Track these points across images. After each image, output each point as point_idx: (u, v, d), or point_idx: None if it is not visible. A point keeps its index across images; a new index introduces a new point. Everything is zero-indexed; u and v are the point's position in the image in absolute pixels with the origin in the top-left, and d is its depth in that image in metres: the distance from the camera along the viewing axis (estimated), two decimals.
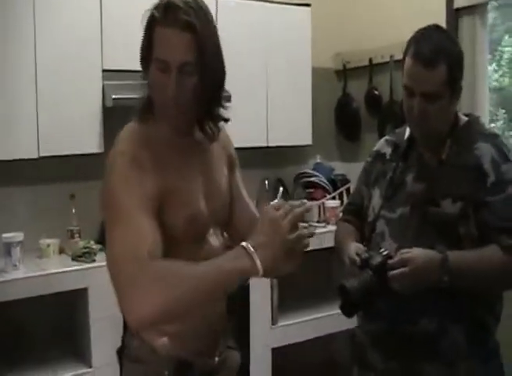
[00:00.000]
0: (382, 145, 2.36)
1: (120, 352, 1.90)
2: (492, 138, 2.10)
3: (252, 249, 1.45)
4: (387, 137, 2.39)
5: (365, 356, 2.22)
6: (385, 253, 1.97)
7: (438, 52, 2.00)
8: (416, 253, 1.94)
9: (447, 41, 2.08)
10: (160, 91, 1.67)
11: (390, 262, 1.94)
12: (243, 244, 1.47)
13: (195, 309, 1.51)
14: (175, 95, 1.64)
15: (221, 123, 1.93)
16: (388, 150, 2.30)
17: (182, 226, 1.71)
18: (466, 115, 2.21)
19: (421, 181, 2.12)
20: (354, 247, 2.12)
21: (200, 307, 1.52)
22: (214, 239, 1.87)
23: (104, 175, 1.67)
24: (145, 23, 1.68)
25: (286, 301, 4.46)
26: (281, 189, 1.70)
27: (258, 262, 1.44)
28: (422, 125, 2.08)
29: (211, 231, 1.86)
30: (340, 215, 2.55)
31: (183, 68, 1.64)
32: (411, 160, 2.19)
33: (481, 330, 2.05)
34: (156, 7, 1.66)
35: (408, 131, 2.23)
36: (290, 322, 4.47)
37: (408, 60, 2.04)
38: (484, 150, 2.03)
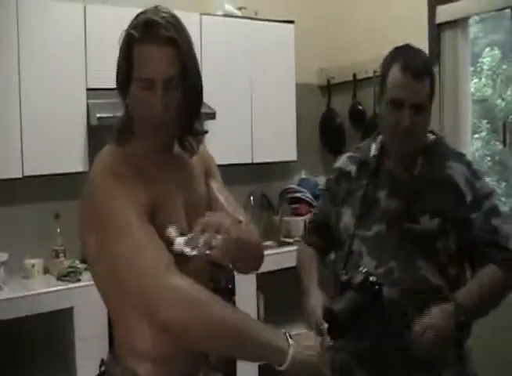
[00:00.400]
0: (345, 162, 2.33)
1: None
2: (462, 157, 2.20)
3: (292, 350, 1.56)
4: (349, 154, 2.36)
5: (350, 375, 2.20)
6: (364, 270, 1.98)
7: (425, 65, 2.09)
8: (434, 315, 1.96)
9: (426, 58, 2.18)
10: (145, 109, 1.65)
11: (414, 330, 1.96)
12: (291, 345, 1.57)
13: (216, 346, 1.58)
14: (163, 111, 1.63)
15: (204, 141, 1.93)
16: (353, 168, 2.27)
17: (166, 243, 1.68)
18: (430, 132, 2.25)
19: (395, 197, 2.13)
20: (318, 303, 2.10)
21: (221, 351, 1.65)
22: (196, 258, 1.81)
23: (86, 198, 1.67)
24: (122, 43, 1.66)
25: (272, 315, 4.44)
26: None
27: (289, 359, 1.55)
28: (408, 139, 2.08)
29: None
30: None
31: (168, 84, 1.63)
32: (381, 177, 2.18)
33: (459, 335, 2.07)
34: (135, 26, 1.64)
35: (374, 147, 2.23)
36: None
37: (396, 73, 2.05)
38: (457, 170, 2.11)
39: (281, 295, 4.34)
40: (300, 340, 1.60)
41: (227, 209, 1.95)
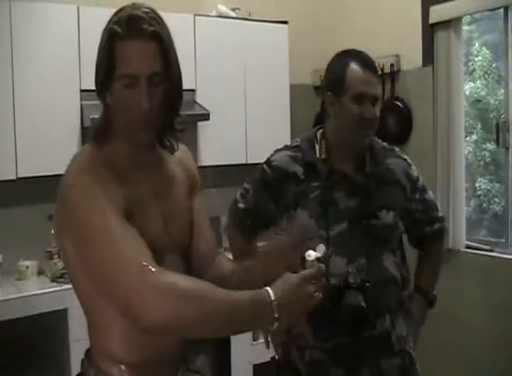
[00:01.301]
0: (287, 162, 2.32)
1: None
2: (393, 151, 2.39)
3: (275, 301, 1.47)
4: (288, 153, 2.35)
5: (326, 374, 2.21)
6: (354, 271, 2.14)
7: (373, 61, 2.24)
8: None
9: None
10: (129, 107, 1.61)
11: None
12: (270, 293, 1.48)
13: (206, 331, 1.51)
14: (148, 108, 1.59)
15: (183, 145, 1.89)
16: (299, 169, 2.27)
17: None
18: None
19: (353, 196, 2.23)
20: None
21: (211, 333, 1.55)
22: (173, 265, 1.70)
23: (60, 199, 1.63)
24: (103, 39, 1.62)
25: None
26: (322, 246, 1.62)
27: (275, 315, 1.47)
28: (371, 132, 2.23)
29: (170, 256, 1.73)
30: None
31: (151, 79, 1.60)
32: (334, 178, 2.23)
33: (409, 316, 2.36)
34: (117, 21, 1.60)
35: (319, 149, 2.28)
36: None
37: (355, 71, 2.17)
38: (396, 165, 2.33)
39: None
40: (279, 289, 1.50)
41: (211, 244, 1.93)
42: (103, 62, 1.63)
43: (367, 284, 2.10)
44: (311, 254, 1.58)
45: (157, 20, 1.62)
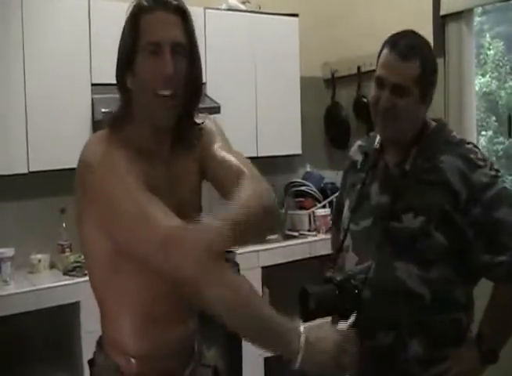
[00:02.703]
0: (355, 151, 2.28)
1: (90, 365, 1.82)
2: (459, 147, 2.00)
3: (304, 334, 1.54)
4: (359, 142, 2.30)
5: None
6: (350, 272, 1.97)
7: (414, 47, 1.98)
8: (459, 359, 1.97)
9: (423, 43, 2.05)
10: (153, 75, 1.59)
11: None
12: (301, 327, 1.56)
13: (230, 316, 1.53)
14: (172, 73, 1.58)
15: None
16: (360, 158, 2.22)
17: None
18: (435, 120, 2.12)
19: (385, 193, 2.05)
20: None
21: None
22: None
23: (80, 178, 1.65)
24: (128, 15, 1.63)
25: (278, 310, 4.43)
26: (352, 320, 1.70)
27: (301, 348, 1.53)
28: (389, 124, 1.99)
29: None
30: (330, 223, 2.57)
31: (175, 48, 1.59)
32: (378, 170, 2.11)
33: (442, 342, 1.99)
34: None
35: (378, 137, 2.14)
36: None
37: (383, 52, 2.00)
38: (450, 164, 1.94)
39: (286, 289, 4.34)
40: (312, 331, 1.58)
41: (236, 163, 1.79)
42: (127, 35, 1.62)
43: (356, 291, 1.89)
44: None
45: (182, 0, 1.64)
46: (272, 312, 1.56)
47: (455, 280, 1.96)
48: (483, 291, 2.02)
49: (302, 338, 1.52)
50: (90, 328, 3.49)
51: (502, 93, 4.35)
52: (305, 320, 1.94)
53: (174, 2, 1.61)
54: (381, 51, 2.02)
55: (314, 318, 1.98)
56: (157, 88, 1.59)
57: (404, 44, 1.97)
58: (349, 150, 2.36)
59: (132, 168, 1.57)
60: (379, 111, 1.98)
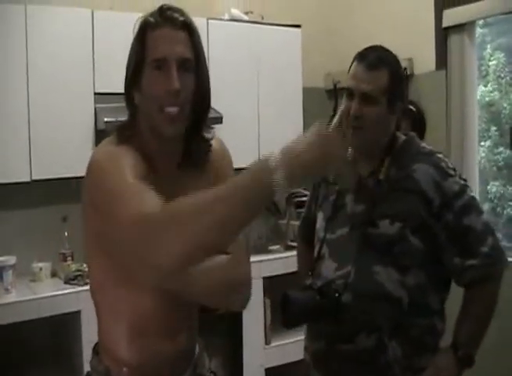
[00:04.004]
0: None
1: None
2: (430, 157, 2.09)
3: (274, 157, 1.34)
4: None
5: None
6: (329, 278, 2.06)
7: (382, 59, 2.08)
8: (438, 366, 2.03)
9: (391, 56, 2.14)
10: (158, 89, 1.58)
11: None
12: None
13: (223, 237, 1.34)
14: (178, 87, 1.57)
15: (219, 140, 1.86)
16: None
17: None
18: (405, 134, 2.20)
19: (360, 202, 2.11)
20: None
21: (231, 232, 1.35)
22: None
23: (86, 173, 1.61)
24: (137, 29, 1.63)
25: (279, 320, 4.44)
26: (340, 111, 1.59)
27: (275, 161, 1.34)
28: (357, 132, 2.04)
29: None
30: None
31: (182, 64, 1.59)
32: (351, 181, 2.17)
33: (419, 347, 2.06)
34: (151, 13, 1.63)
35: (350, 150, 2.13)
36: (284, 342, 4.44)
37: (353, 65, 2.10)
38: (424, 173, 2.03)
39: None
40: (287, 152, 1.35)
41: None
42: (134, 51, 1.63)
43: (336, 295, 2.00)
44: None
45: (188, 15, 1.65)
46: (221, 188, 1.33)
47: (428, 287, 2.05)
48: (454, 299, 2.13)
49: (273, 159, 1.35)
50: (91, 337, 3.44)
51: (505, 104, 4.36)
52: (287, 326, 2.00)
53: (181, 18, 1.61)
54: (351, 64, 2.12)
55: (296, 323, 2.04)
56: (163, 103, 1.59)
57: (372, 56, 2.08)
58: None
59: (134, 164, 1.56)
60: (348, 120, 2.04)
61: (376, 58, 2.06)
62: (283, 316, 2.01)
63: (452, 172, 2.06)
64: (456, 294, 2.13)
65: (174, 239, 1.28)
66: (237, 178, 1.34)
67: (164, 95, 1.58)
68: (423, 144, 2.17)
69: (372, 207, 2.07)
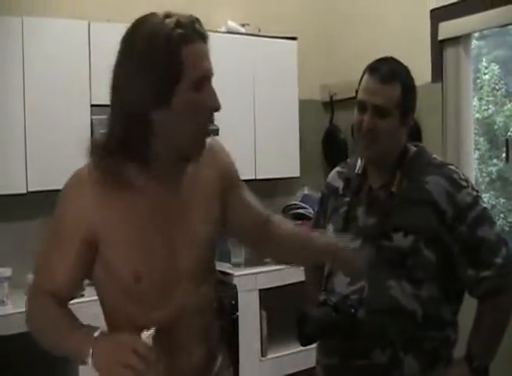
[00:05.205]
0: (334, 177, 2.33)
1: None
2: (442, 168, 2.08)
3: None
4: (338, 169, 2.36)
5: None
6: (344, 293, 2.03)
7: (394, 72, 2.06)
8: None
9: (403, 68, 2.13)
10: (199, 110, 1.54)
11: None
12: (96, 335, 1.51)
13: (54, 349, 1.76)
14: (221, 106, 1.57)
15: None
16: (340, 184, 2.26)
17: (133, 281, 1.58)
18: (415, 146, 2.20)
19: (372, 215, 2.09)
20: None
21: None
22: (186, 295, 1.65)
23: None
24: (165, 44, 1.47)
25: (276, 332, 4.43)
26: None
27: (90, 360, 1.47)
28: (370, 144, 2.05)
29: (181, 287, 1.65)
30: None
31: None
32: (362, 194, 2.16)
33: (433, 360, 2.03)
34: (178, 25, 1.49)
35: (359, 163, 2.19)
36: (280, 354, 4.44)
37: (364, 77, 2.09)
38: (436, 184, 2.02)
39: (284, 311, 4.33)
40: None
41: (258, 218, 1.87)
42: (165, 68, 1.48)
43: (352, 311, 1.96)
44: (146, 334, 1.47)
45: None
46: (67, 324, 1.71)
47: (441, 299, 2.02)
48: (467, 310, 2.10)
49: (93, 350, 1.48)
50: None
51: (500, 117, 4.37)
52: (303, 343, 1.97)
53: (207, 32, 1.59)
54: (362, 76, 2.11)
55: (312, 340, 2.01)
56: (201, 121, 1.57)
57: (384, 68, 2.06)
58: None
59: (84, 212, 1.60)
60: (361, 133, 2.05)
61: (388, 71, 2.05)
62: (299, 333, 1.97)
63: (464, 184, 2.03)
64: (468, 304, 2.11)
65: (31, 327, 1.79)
66: (78, 329, 1.64)
67: (205, 113, 1.57)
68: (434, 155, 2.16)
69: (384, 219, 2.05)
